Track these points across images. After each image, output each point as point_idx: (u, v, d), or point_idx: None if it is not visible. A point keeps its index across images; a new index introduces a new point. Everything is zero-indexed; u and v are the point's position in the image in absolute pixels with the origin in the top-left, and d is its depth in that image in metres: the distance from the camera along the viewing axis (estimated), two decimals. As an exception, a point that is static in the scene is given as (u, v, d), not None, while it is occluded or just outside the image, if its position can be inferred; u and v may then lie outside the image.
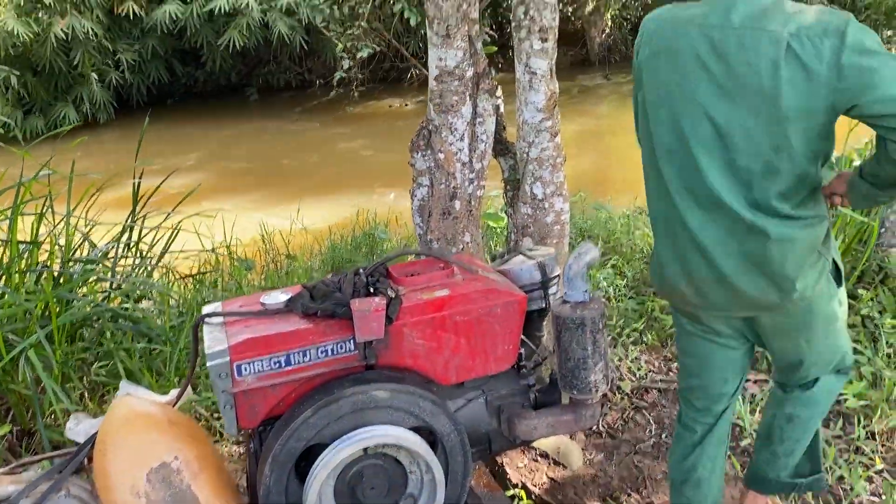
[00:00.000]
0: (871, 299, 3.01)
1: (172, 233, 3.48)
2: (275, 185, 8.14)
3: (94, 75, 10.74)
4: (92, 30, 10.19)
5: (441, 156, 2.73)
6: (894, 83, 1.34)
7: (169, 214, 3.45)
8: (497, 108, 2.87)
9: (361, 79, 11.41)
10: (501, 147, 2.97)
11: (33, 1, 9.74)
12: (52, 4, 9.79)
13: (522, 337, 1.85)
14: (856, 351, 2.85)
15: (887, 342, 2.88)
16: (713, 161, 1.49)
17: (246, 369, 1.46)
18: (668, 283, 1.67)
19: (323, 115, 11.19)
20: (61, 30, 9.88)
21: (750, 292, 1.58)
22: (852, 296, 3.08)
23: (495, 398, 1.73)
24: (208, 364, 1.44)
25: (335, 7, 11.76)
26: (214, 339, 1.49)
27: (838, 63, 1.37)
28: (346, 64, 10.67)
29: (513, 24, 2.68)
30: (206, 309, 1.65)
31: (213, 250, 3.87)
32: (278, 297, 1.59)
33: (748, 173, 1.48)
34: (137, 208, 3.38)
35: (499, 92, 2.90)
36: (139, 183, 3.40)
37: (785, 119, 1.42)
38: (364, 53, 10.69)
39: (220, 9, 10.66)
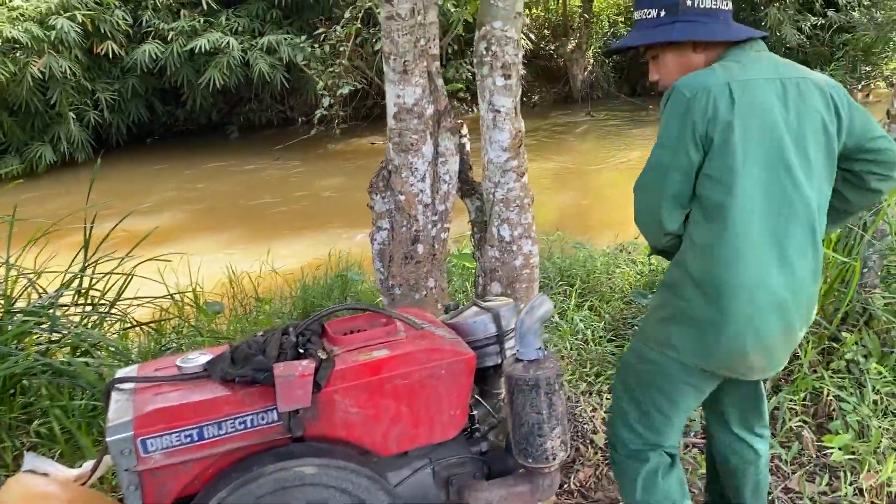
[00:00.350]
0: (856, 343, 2.87)
1: (127, 279, 3.31)
2: (248, 224, 7.98)
3: (72, 115, 10.62)
4: (70, 69, 10.09)
5: (401, 197, 2.60)
6: (875, 123, 1.71)
7: (122, 260, 3.28)
8: (462, 146, 2.75)
9: (343, 116, 11.36)
10: (468, 187, 2.85)
11: (10, 41, 9.64)
12: (30, 44, 9.70)
13: (476, 397, 1.70)
14: (840, 399, 2.71)
15: (874, 388, 2.73)
16: (808, 204, 1.58)
17: (152, 445, 1.29)
18: (733, 355, 1.62)
19: (304, 152, 11.08)
20: (38, 70, 9.77)
21: (798, 337, 1.69)
22: (836, 339, 2.95)
23: (443, 468, 1.56)
24: (108, 440, 1.27)
25: (316, 45, 11.77)
26: (119, 410, 1.32)
27: (851, 106, 1.66)
28: (326, 101, 10.64)
29: (475, 61, 2.57)
30: (119, 373, 1.48)
31: (171, 296, 3.69)
32: (196, 360, 1.43)
33: (819, 212, 1.62)
34: (93, 252, 3.22)
35: (464, 130, 2.78)
36: (91, 228, 3.24)
37: (835, 155, 1.65)
38: (345, 90, 10.65)
39: (200, 48, 10.62)
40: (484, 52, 2.51)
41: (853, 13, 13.23)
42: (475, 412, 1.67)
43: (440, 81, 2.59)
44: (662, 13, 1.65)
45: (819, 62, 13.50)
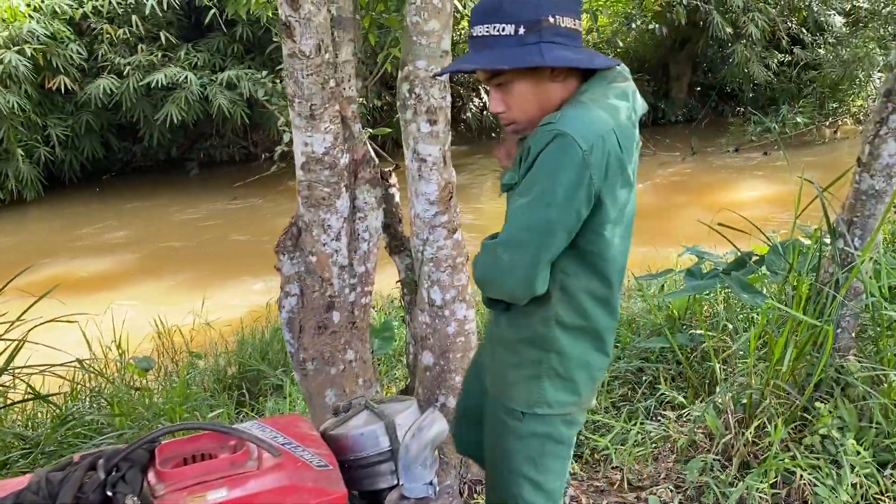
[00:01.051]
0: (831, 413, 2.57)
1: (18, 344, 2.92)
2: (190, 268, 7.53)
3: (21, 151, 10.18)
4: (18, 105, 9.69)
5: (313, 259, 2.27)
6: None
7: (12, 325, 2.90)
8: (389, 197, 2.45)
9: (305, 153, 11.04)
10: (396, 243, 2.53)
11: (-46, 76, 9.26)
12: (-26, 79, 9.33)
13: (363, 529, 1.35)
14: (815, 483, 2.40)
15: (852, 468, 2.42)
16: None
17: None
18: (591, 393, 1.67)
19: (264, 190, 10.71)
20: (-18, 105, 9.38)
21: None
22: (807, 410, 2.65)
23: None
24: None
25: (278, 81, 11.46)
26: None
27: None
28: (287, 137, 10.30)
29: (398, 104, 2.27)
30: None
31: (78, 361, 3.29)
32: (-31, 509, 1.08)
33: None
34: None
35: (393, 179, 2.48)
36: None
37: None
38: (306, 127, 10.32)
39: (157, 83, 10.29)
40: (407, 95, 2.22)
41: (819, 50, 13.29)
42: (362, 548, 1.32)
43: (357, 127, 2.29)
44: (522, 30, 1.38)
45: (787, 98, 13.51)
